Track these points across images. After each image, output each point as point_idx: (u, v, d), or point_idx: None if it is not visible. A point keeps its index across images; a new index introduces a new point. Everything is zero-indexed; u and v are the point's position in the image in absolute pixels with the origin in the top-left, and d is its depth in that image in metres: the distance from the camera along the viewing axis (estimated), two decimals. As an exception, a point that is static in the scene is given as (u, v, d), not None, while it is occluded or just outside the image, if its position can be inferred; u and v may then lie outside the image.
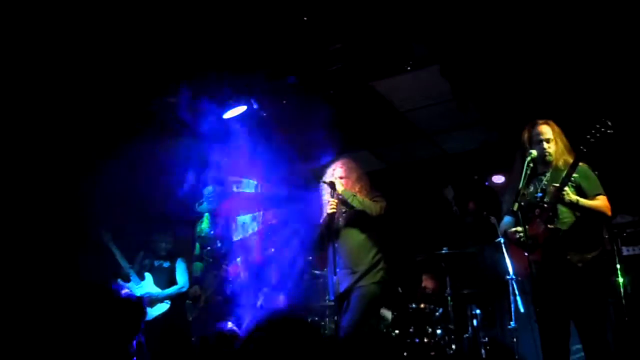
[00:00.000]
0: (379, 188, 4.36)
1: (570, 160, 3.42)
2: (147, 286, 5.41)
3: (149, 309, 5.32)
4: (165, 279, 5.46)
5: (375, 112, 5.49)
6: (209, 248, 4.87)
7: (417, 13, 4.04)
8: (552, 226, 3.36)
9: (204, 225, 5.01)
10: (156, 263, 5.56)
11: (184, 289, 5.43)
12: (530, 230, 3.38)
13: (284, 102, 4.99)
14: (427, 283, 5.78)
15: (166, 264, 5.55)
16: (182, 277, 5.49)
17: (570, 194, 3.32)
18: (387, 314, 5.20)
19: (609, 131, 3.23)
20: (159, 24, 4.03)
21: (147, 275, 5.46)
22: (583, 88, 4.88)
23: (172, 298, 5.38)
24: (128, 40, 4.18)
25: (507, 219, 3.74)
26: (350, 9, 3.99)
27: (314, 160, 5.70)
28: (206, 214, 5.10)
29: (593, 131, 3.26)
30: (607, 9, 3.95)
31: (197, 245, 5.10)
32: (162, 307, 5.34)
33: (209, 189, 5.02)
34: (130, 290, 5.40)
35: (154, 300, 5.35)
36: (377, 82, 4.93)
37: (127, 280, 5.45)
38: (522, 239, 3.42)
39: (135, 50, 4.28)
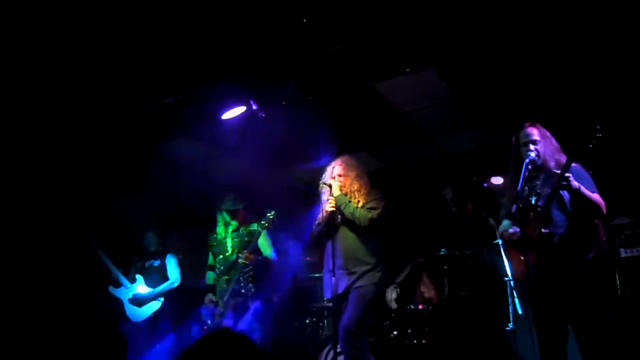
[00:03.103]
0: (377, 188, 4.35)
1: (563, 161, 3.44)
2: (137, 288, 5.44)
3: (140, 310, 5.35)
4: (157, 277, 5.48)
5: (374, 113, 5.49)
6: (221, 257, 4.91)
7: (416, 14, 4.04)
8: (546, 230, 3.37)
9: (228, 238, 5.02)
10: (147, 263, 5.58)
11: (175, 284, 5.44)
12: (527, 234, 3.38)
13: (283, 103, 4.99)
14: (425, 287, 5.78)
15: (156, 263, 5.56)
16: (172, 273, 5.50)
17: (573, 180, 3.31)
18: (392, 293, 5.22)
19: (597, 135, 3.23)
20: (155, 24, 4.04)
21: (138, 277, 5.49)
22: (582, 89, 4.89)
23: (164, 294, 5.40)
24: (123, 42, 4.19)
25: (505, 223, 3.75)
26: (349, 11, 3.99)
27: (313, 161, 5.71)
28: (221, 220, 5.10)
29: (584, 136, 3.27)
30: (609, 11, 3.96)
31: (210, 255, 5.07)
32: (155, 306, 5.35)
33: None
34: (121, 295, 5.45)
35: (144, 301, 5.36)
36: (376, 83, 4.93)
37: (119, 285, 5.49)
38: (516, 238, 3.44)
39: (130, 52, 4.29)
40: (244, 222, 4.97)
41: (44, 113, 4.92)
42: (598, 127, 3.24)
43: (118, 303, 5.47)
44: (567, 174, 3.28)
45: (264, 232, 4.82)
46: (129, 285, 5.46)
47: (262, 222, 4.69)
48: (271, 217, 4.68)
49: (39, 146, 5.24)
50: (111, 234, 5.93)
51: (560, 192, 3.40)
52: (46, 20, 3.92)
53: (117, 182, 5.83)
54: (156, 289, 5.39)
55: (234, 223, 4.96)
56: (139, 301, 5.37)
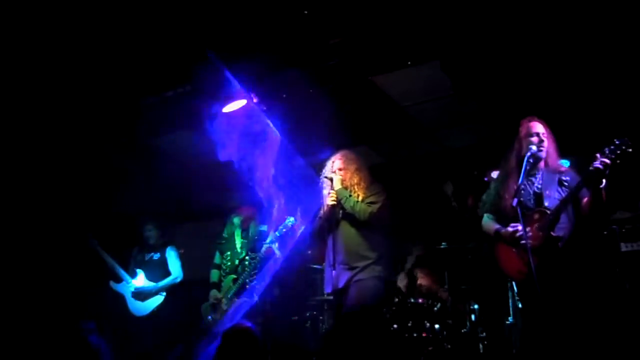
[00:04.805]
0: (378, 182, 4.34)
1: (561, 167, 3.48)
2: (139, 282, 5.39)
3: (143, 304, 5.32)
4: (158, 271, 5.43)
5: (375, 106, 5.48)
6: (229, 253, 4.97)
7: (418, 7, 4.03)
8: (555, 234, 3.34)
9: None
10: (146, 257, 5.53)
11: (178, 280, 5.40)
12: (532, 234, 3.37)
13: (284, 96, 4.98)
14: (422, 280, 5.77)
15: (156, 256, 5.51)
16: (174, 267, 5.45)
17: None
18: (403, 281, 5.25)
19: (629, 149, 3.13)
20: (155, 17, 4.02)
21: (139, 271, 5.44)
22: (584, 84, 4.88)
23: (167, 289, 5.36)
24: (128, 33, 4.17)
25: (488, 216, 3.73)
26: (350, 3, 3.97)
27: (313, 154, 5.70)
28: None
29: (612, 147, 3.16)
30: (609, 8, 3.95)
31: (217, 253, 5.14)
32: (157, 300, 5.32)
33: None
34: (123, 290, 5.40)
35: (147, 295, 5.32)
36: (377, 76, 4.92)
37: (120, 280, 5.44)
38: (519, 240, 3.39)
39: (130, 44, 4.27)
40: (253, 221, 5.09)
41: (38, 107, 4.90)
42: (629, 142, 3.14)
43: (120, 298, 5.43)
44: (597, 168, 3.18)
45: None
46: (130, 279, 5.42)
47: (280, 227, 4.78)
48: (290, 224, 4.78)
49: (33, 141, 5.20)
50: (110, 227, 5.90)
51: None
52: (43, 13, 3.91)
53: (116, 175, 5.81)
54: (159, 284, 5.35)
55: (243, 221, 5.09)
56: (141, 295, 5.33)
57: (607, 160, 3.14)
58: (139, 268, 5.49)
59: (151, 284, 5.38)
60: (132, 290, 5.36)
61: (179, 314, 5.41)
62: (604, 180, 3.23)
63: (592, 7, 3.94)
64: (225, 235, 5.10)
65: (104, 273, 5.52)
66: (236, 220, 5.08)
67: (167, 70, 4.69)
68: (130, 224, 5.75)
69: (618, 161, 3.15)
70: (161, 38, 4.28)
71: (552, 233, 3.34)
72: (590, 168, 3.20)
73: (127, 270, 5.49)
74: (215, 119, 5.18)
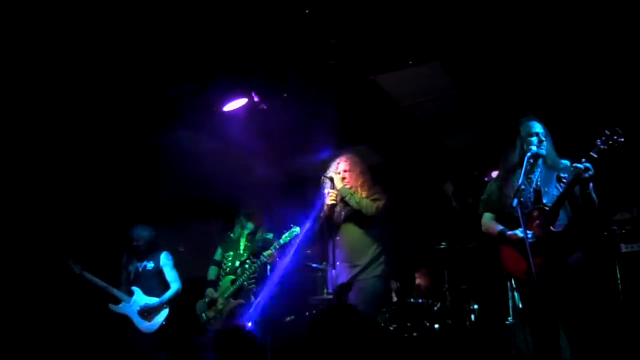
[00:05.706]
0: (379, 183, 4.37)
1: (559, 165, 3.49)
2: (140, 299, 5.17)
3: (152, 321, 5.12)
4: (155, 282, 5.22)
5: (376, 106, 5.48)
6: (231, 253, 4.95)
7: (419, 7, 4.03)
8: (555, 230, 3.35)
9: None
10: (140, 267, 5.25)
11: (180, 290, 5.25)
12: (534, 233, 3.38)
13: (285, 95, 4.98)
14: (421, 280, 5.78)
15: (150, 265, 5.25)
16: (172, 278, 5.26)
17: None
18: (393, 284, 5.25)
19: (620, 139, 3.20)
20: (157, 16, 4.02)
21: (135, 289, 5.19)
22: (583, 84, 4.89)
23: (171, 302, 5.20)
24: (126, 33, 4.16)
25: (488, 215, 3.73)
26: (352, 3, 3.97)
27: (314, 154, 5.70)
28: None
29: (604, 138, 3.24)
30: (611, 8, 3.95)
31: (219, 249, 5.11)
32: (164, 313, 5.15)
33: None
34: (126, 311, 5.16)
35: (152, 310, 5.13)
36: (378, 76, 4.92)
37: (118, 302, 5.20)
38: (522, 240, 3.33)
39: (135, 43, 4.27)
40: (260, 225, 5.11)
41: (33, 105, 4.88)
42: (621, 132, 3.21)
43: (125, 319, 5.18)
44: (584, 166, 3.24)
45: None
46: (129, 299, 5.17)
47: (285, 236, 4.73)
48: (295, 233, 4.72)
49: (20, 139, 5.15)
50: (92, 237, 5.70)
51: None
52: (48, 14, 3.91)
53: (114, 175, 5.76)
54: (163, 298, 5.15)
55: (250, 226, 5.09)
56: (146, 312, 5.12)
57: (594, 155, 3.22)
58: (134, 283, 5.23)
59: (153, 298, 5.17)
60: (137, 309, 5.13)
61: (186, 319, 5.31)
62: (590, 184, 3.29)
63: (591, 7, 3.94)
64: (232, 235, 5.09)
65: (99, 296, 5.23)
66: (250, 226, 5.08)
67: (168, 69, 4.69)
68: (120, 230, 5.42)
69: (611, 152, 3.21)
70: (162, 37, 4.27)
71: (552, 228, 3.35)
72: (577, 166, 3.26)
73: (121, 288, 5.23)
74: (217, 117, 5.19)
